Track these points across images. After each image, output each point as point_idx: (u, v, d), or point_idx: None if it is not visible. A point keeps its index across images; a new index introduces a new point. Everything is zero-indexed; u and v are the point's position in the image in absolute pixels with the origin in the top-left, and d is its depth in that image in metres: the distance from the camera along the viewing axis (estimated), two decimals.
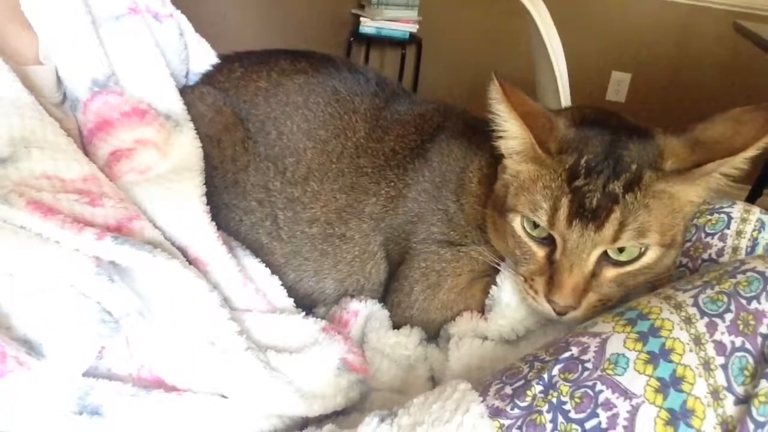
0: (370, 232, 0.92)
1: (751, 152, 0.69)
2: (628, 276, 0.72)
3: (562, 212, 0.70)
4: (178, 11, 1.06)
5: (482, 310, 0.84)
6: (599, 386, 0.58)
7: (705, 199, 0.75)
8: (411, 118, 0.94)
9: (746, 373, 0.56)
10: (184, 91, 0.95)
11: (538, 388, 0.60)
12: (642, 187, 0.70)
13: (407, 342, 0.85)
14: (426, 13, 3.38)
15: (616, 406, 0.56)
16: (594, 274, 0.72)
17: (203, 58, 1.06)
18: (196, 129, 0.90)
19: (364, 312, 0.91)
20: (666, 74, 3.15)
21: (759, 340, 0.57)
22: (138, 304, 0.65)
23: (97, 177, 0.73)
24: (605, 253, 0.71)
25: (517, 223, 0.75)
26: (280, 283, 0.87)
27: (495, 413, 0.59)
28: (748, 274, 0.61)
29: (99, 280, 0.62)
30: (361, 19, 3.38)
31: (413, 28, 3.39)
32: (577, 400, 0.58)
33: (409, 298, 0.89)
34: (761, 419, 0.53)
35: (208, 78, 1.02)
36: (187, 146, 0.86)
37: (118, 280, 0.64)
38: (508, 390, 0.61)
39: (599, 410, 0.57)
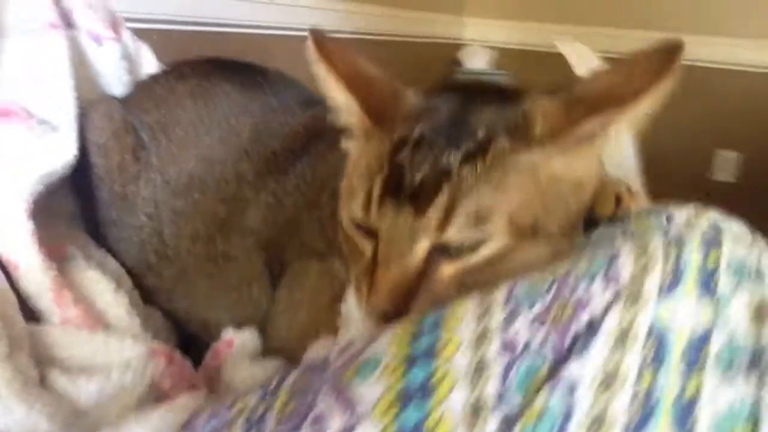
0: (252, 249, 0.79)
1: (646, 102, 0.51)
2: (470, 273, 0.53)
3: (375, 192, 0.55)
4: (140, 42, 1.08)
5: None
6: (324, 393, 0.40)
7: (597, 177, 0.56)
8: (304, 119, 0.82)
9: (532, 380, 0.37)
10: (87, 104, 0.92)
11: (253, 399, 0.43)
12: (488, 157, 0.53)
13: (259, 375, 0.70)
14: None
15: (327, 421, 0.38)
16: (425, 273, 0.54)
17: None
18: (85, 138, 0.84)
19: (239, 341, 0.77)
20: None
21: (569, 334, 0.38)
22: None
23: None
24: (443, 244, 0.54)
25: (344, 213, 0.60)
26: (128, 300, 0.76)
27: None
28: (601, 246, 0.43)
29: None
30: None
31: None
32: (287, 410, 0.41)
33: (272, 325, 0.74)
34: None
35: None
36: (52, 148, 0.80)
37: None
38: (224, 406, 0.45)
39: (304, 426, 0.39)
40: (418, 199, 0.52)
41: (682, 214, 0.52)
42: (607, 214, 0.65)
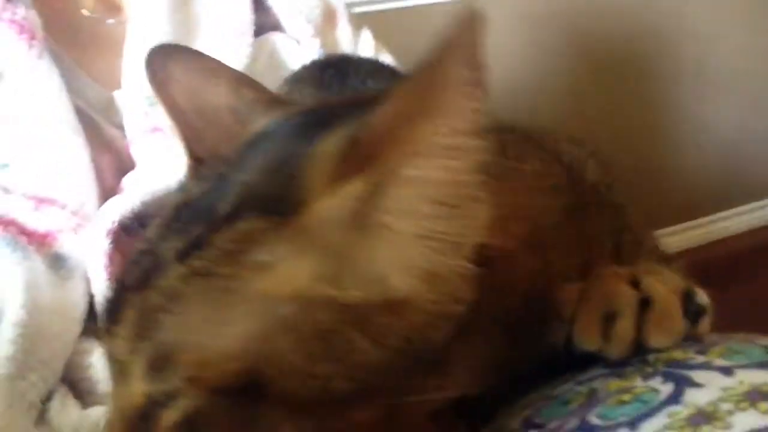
0: None
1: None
2: None
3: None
4: (363, 33, 1.00)
5: None
6: None
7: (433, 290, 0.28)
8: None
9: None
10: None
11: None
12: (207, 254, 0.31)
13: None
14: None
15: None
16: (149, 420, 0.33)
17: None
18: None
19: None
20: None
21: None
22: None
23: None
24: None
25: None
26: None
27: None
28: None
29: None
30: None
31: None
32: None
33: None
34: None
35: None
36: (175, 165, 0.79)
37: None
38: None
39: None
40: (118, 310, 0.34)
41: None
42: (593, 350, 0.32)
